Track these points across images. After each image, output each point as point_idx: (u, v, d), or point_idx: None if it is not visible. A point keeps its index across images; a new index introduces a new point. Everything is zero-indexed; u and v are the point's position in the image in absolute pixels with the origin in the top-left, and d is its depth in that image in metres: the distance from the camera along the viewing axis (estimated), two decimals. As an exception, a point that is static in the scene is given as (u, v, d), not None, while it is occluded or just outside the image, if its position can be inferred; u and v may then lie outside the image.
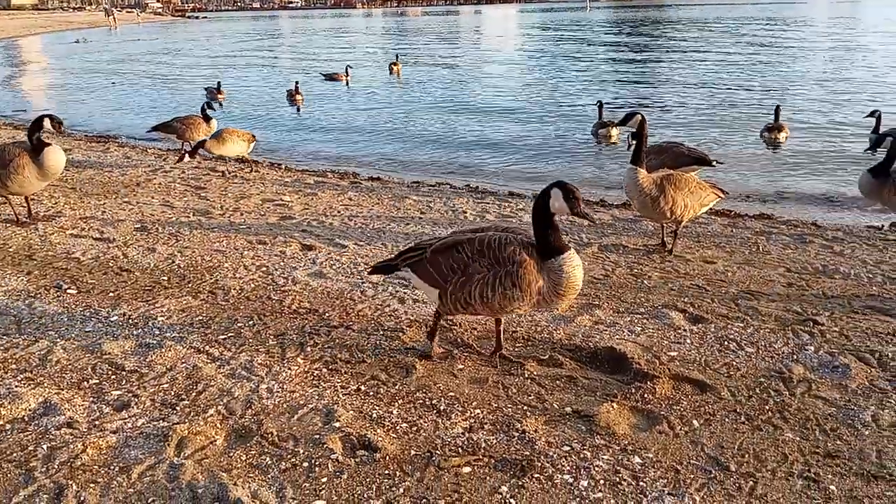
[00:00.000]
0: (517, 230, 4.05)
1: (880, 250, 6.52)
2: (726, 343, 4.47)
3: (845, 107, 17.00)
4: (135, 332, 4.75)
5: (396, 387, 3.95)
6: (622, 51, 38.11)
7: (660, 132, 14.94)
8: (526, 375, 4.06)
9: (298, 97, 20.25)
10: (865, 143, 11.82)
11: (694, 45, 38.77)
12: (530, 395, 3.85)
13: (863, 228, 7.68)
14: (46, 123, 7.08)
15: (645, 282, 5.66)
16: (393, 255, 4.46)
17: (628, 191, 6.35)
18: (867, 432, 3.46)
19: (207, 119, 11.35)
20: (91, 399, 3.88)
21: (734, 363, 4.21)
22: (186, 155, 10.04)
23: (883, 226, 7.85)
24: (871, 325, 4.72)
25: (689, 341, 4.51)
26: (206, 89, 21.32)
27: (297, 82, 21.01)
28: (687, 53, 33.97)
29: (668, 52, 36.38)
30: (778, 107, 13.87)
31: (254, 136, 10.46)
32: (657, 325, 4.74)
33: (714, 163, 8.67)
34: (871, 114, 12.14)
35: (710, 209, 7.22)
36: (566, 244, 3.86)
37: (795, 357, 4.26)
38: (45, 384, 4.05)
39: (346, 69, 26.05)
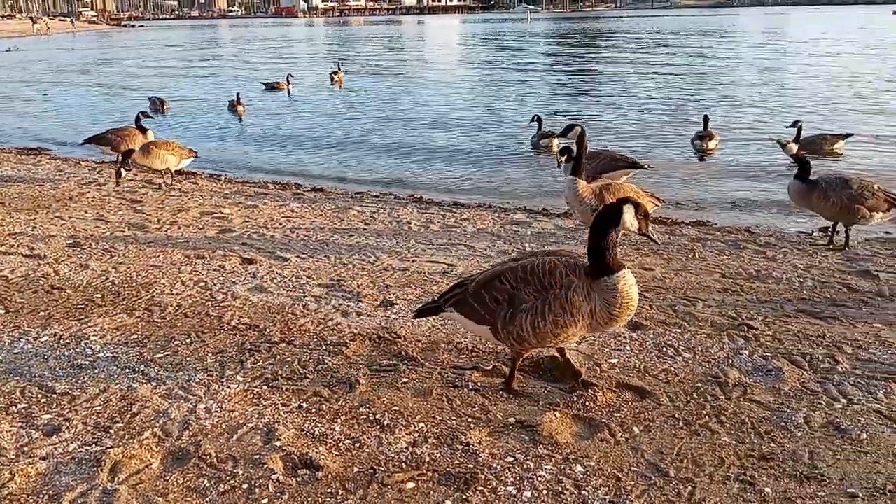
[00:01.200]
0: (560, 253, 3.96)
1: (810, 255, 6.77)
2: (665, 349, 4.56)
3: (772, 116, 17.64)
4: (66, 353, 4.58)
5: (339, 403, 3.90)
6: (560, 61, 38.79)
7: (595, 140, 15.25)
8: (470, 387, 4.06)
9: (240, 107, 19.96)
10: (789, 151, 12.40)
11: (629, 56, 39.70)
12: (474, 407, 3.86)
13: (794, 234, 7.97)
14: None
15: (586, 290, 5.73)
16: (436, 297, 4.16)
17: (569, 201, 6.46)
18: (800, 434, 3.57)
19: (143, 130, 11.07)
20: (19, 424, 3.72)
21: (672, 369, 4.29)
22: (122, 170, 9.76)
23: (812, 231, 8.15)
24: (802, 328, 4.88)
25: (628, 348, 4.59)
26: (150, 99, 20.79)
27: (238, 93, 20.71)
28: (622, 64, 34.78)
29: (604, 62, 37.19)
30: (706, 116, 14.32)
31: (192, 152, 10.22)
32: (597, 333, 4.80)
33: (646, 166, 8.90)
34: (793, 124, 12.78)
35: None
36: (621, 262, 3.72)
37: (731, 362, 4.38)
38: (-31, 410, 3.87)
39: (287, 78, 25.80)
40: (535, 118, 14.76)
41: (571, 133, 6.57)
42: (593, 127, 16.94)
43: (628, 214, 3.70)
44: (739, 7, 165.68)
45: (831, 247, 7.11)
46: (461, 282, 4.03)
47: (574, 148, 6.69)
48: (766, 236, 7.58)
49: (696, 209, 9.72)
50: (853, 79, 25.20)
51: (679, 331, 4.85)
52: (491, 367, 4.30)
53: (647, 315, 5.14)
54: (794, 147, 9.09)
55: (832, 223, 7.24)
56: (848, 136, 13.27)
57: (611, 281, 3.64)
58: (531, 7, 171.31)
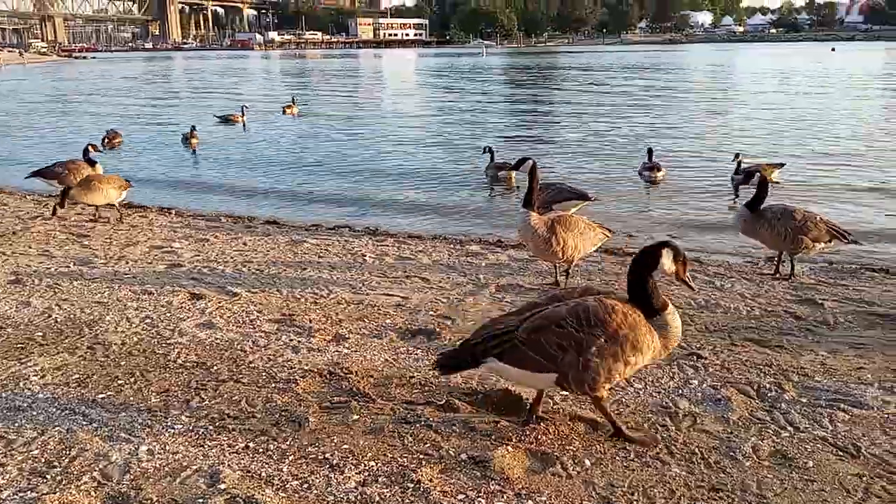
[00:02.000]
0: (604, 291, 3.90)
1: (757, 284, 6.91)
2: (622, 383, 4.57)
3: (716, 147, 18.21)
4: (3, 395, 4.40)
5: (287, 442, 3.81)
6: (515, 94, 39.52)
7: (546, 172, 15.49)
8: (422, 422, 4.01)
9: (194, 140, 19.75)
10: (731, 184, 12.85)
11: (580, 90, 40.63)
12: (426, 443, 3.80)
13: (741, 264, 8.14)
14: None
15: (540, 322, 5.75)
16: (456, 347, 3.90)
17: (521, 233, 6.51)
18: (748, 464, 3.60)
19: (92, 163, 10.85)
20: (-53, 473, 3.54)
21: (623, 400, 4.31)
22: (58, 208, 9.49)
23: (759, 261, 8.34)
24: (749, 356, 4.96)
25: (581, 380, 4.59)
26: (106, 132, 20.35)
27: (193, 126, 20.47)
28: (574, 97, 35.55)
29: (556, 96, 37.98)
30: (650, 148, 14.79)
31: (128, 182, 10.00)
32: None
33: (593, 199, 9.06)
34: (735, 157, 13.33)
35: (600, 248, 7.47)
36: (666, 300, 3.76)
37: (681, 392, 4.42)
38: None
39: (242, 109, 25.66)
40: (487, 149, 14.92)
41: (523, 167, 6.65)
42: (544, 158, 17.25)
43: (667, 259, 3.71)
44: (688, 44, 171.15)
45: (777, 276, 7.28)
46: (493, 331, 3.72)
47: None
48: (715, 266, 7.73)
49: (647, 239, 9.86)
50: (794, 110, 26.19)
51: (630, 361, 4.87)
52: (444, 401, 4.26)
53: (600, 346, 5.16)
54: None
55: (778, 253, 7.43)
56: (781, 165, 13.85)
57: (663, 319, 3.70)
58: (486, 42, 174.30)
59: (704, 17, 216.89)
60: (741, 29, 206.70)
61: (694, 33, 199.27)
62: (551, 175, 15.09)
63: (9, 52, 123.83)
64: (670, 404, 4.23)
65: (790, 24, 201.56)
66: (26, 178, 11.65)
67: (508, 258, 7.99)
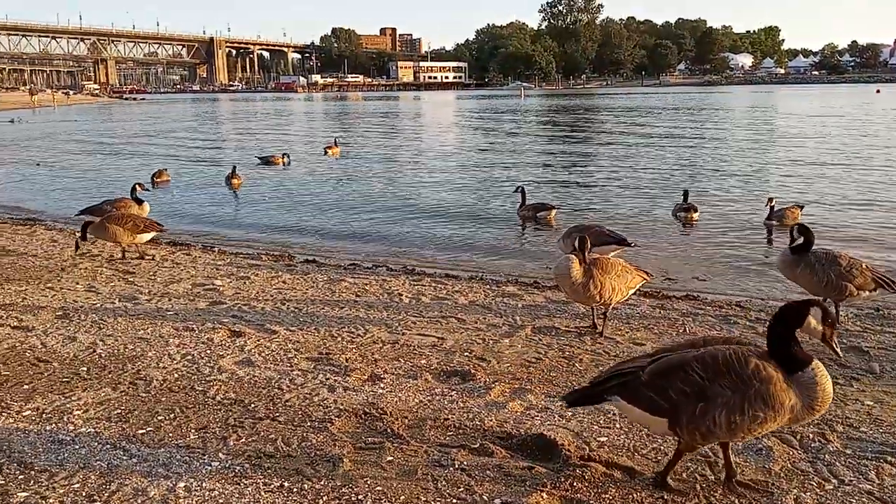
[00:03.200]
0: (741, 340, 3.79)
1: (799, 330, 6.76)
2: (654, 427, 4.51)
3: (753, 189, 18.12)
4: (48, 428, 4.51)
5: (322, 482, 3.83)
6: (552, 136, 39.70)
7: (579, 212, 15.55)
8: (456, 466, 3.99)
9: (235, 180, 20.18)
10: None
11: (617, 131, 40.69)
12: (459, 487, 3.78)
13: (783, 308, 7.96)
14: None
15: (576, 364, 5.72)
16: (588, 384, 3.89)
17: (558, 276, 6.47)
18: (790, 516, 3.51)
19: (139, 202, 11.18)
20: (-8, 504, 3.64)
21: (662, 448, 4.24)
22: (79, 242, 9.79)
23: (801, 306, 8.15)
24: (791, 405, 4.84)
25: (618, 426, 4.54)
26: (154, 172, 20.96)
27: (234, 167, 20.97)
28: (611, 139, 35.58)
29: (593, 137, 38.03)
30: (686, 190, 14.74)
31: (155, 225, 10.14)
32: (587, 410, 4.76)
33: (633, 244, 8.99)
34: (768, 201, 13.37)
35: (638, 291, 7.41)
36: (810, 355, 3.52)
37: (721, 440, 4.32)
38: (-57, 488, 3.78)
39: (283, 155, 26.17)
40: (519, 189, 14.96)
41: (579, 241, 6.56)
42: (578, 199, 17.31)
43: (814, 319, 3.53)
44: (728, 85, 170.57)
45: (821, 322, 7.11)
46: (620, 369, 3.73)
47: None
48: (757, 311, 7.59)
49: (685, 282, 9.76)
50: (835, 152, 25.82)
51: (668, 407, 4.80)
52: (478, 445, 4.24)
53: (637, 391, 5.09)
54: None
55: (822, 298, 7.27)
56: (801, 206, 13.80)
57: (807, 375, 3.44)
58: (524, 84, 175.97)
59: (744, 59, 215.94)
60: (782, 71, 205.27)
61: (733, 75, 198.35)
62: (584, 215, 15.12)
63: (63, 93, 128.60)
64: (709, 453, 4.15)
65: (833, 66, 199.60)
66: (76, 215, 12.05)
67: (545, 300, 7.96)
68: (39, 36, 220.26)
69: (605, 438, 4.35)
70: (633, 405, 3.61)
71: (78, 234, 9.96)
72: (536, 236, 13.47)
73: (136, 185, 11.68)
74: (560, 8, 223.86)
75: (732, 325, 6.87)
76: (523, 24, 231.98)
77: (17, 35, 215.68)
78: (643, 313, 7.34)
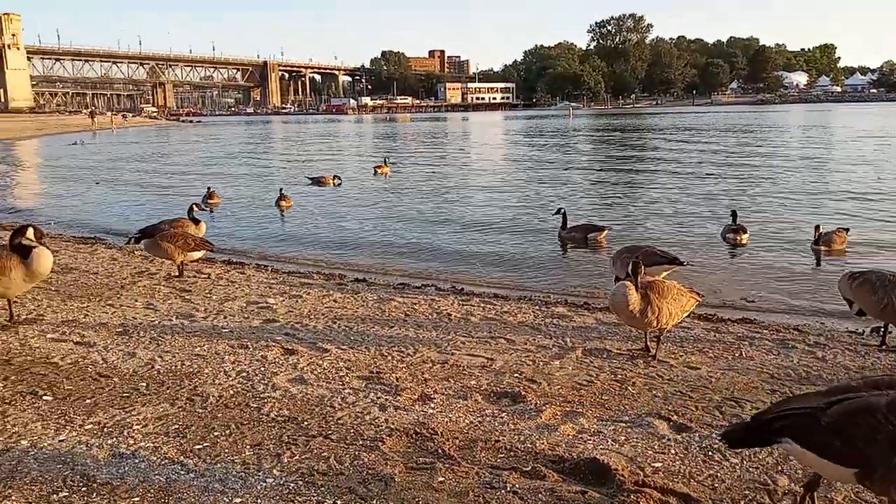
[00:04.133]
0: None
1: (862, 356, 6.56)
2: (711, 453, 4.42)
3: (804, 210, 17.71)
4: (108, 442, 4.63)
5: (374, 501, 3.85)
6: (600, 156, 39.45)
7: (629, 232, 15.40)
8: (508, 489, 3.97)
9: (284, 203, 20.22)
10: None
11: (667, 152, 40.22)
12: (512, 510, 3.76)
13: (844, 333, 7.73)
14: (29, 232, 7.16)
15: (629, 388, 5.64)
16: (748, 420, 3.59)
17: (614, 303, 6.35)
18: (856, 549, 3.39)
19: (196, 221, 11.47)
20: (58, 514, 3.75)
21: (719, 475, 4.15)
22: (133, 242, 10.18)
23: (864, 331, 7.91)
24: (855, 433, 4.68)
25: (673, 451, 4.45)
26: (204, 195, 21.36)
27: (281, 189, 21.04)
28: (660, 159, 35.20)
29: (643, 157, 37.65)
30: (734, 210, 14.45)
31: (205, 243, 10.34)
32: (641, 434, 4.69)
33: (685, 263, 8.83)
34: (815, 229, 13.01)
35: (692, 313, 7.27)
36: None
37: (780, 468, 4.21)
38: (14, 497, 3.92)
39: (333, 176, 26.55)
40: (560, 211, 14.84)
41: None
42: (628, 219, 17.13)
43: None
44: (782, 104, 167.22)
45: (884, 348, 6.88)
46: (787, 408, 3.41)
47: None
48: (816, 335, 7.38)
49: (739, 305, 9.55)
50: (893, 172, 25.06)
51: (725, 434, 4.69)
52: (530, 468, 4.20)
53: (693, 416, 5.00)
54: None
55: (884, 323, 7.04)
56: (847, 230, 13.38)
57: None
58: (573, 104, 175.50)
59: (799, 78, 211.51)
60: (839, 89, 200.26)
61: (787, 94, 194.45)
62: (630, 235, 14.96)
63: (122, 116, 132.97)
64: (769, 481, 4.04)
65: (892, 84, 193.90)
66: (130, 238, 12.38)
67: (595, 321, 7.88)
68: (101, 61, 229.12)
69: (659, 464, 4.27)
70: (812, 451, 3.29)
71: (133, 242, 10.33)
72: (584, 256, 13.37)
73: (193, 206, 11.98)
74: (609, 28, 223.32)
75: (790, 350, 6.69)
76: (572, 44, 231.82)
77: (80, 60, 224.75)
78: (697, 336, 7.21)
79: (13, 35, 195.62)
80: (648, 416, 5.01)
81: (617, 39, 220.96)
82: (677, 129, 68.38)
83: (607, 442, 4.58)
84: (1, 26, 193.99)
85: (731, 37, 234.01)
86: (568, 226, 14.50)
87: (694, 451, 4.44)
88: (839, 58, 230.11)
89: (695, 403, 5.26)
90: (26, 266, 7.09)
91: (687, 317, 7.07)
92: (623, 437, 4.64)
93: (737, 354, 6.56)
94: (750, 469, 4.20)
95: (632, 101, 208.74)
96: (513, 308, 8.60)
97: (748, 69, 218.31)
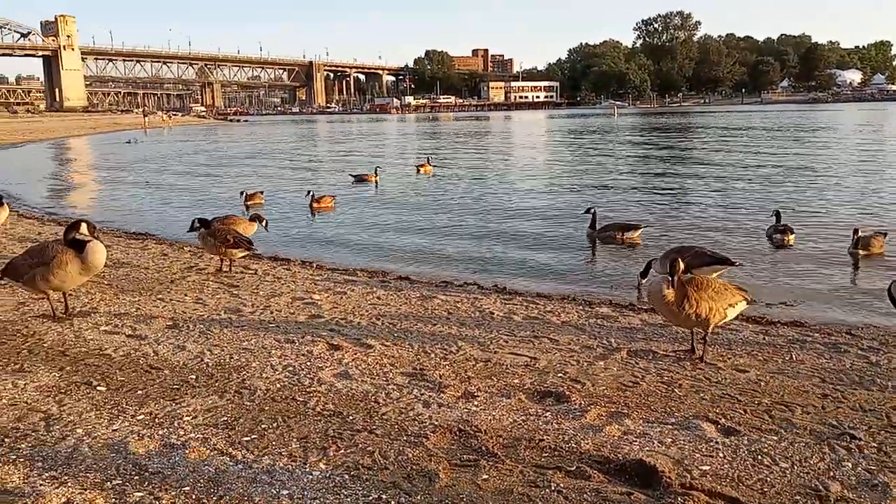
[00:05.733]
0: None
1: (919, 361, 6.35)
2: (760, 457, 4.33)
3: (853, 210, 17.24)
4: (160, 432, 4.75)
5: (419, 497, 3.87)
6: (646, 155, 38.90)
7: (672, 232, 15.22)
8: (552, 488, 3.95)
9: (317, 204, 20.01)
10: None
11: (711, 151, 39.55)
12: (556, 509, 3.74)
13: (899, 338, 7.50)
14: (83, 227, 7.37)
15: (675, 390, 5.56)
16: None
17: (651, 297, 6.32)
18: (913, 559, 3.29)
19: (253, 220, 11.61)
20: (113, 501, 3.85)
21: (768, 479, 4.06)
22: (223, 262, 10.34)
23: (920, 335, 7.66)
24: (912, 441, 4.55)
25: (721, 455, 4.38)
26: (245, 196, 21.56)
27: (310, 191, 20.83)
28: (707, 159, 34.57)
29: (689, 157, 36.99)
30: (778, 211, 14.19)
31: (245, 242, 10.29)
32: (688, 437, 4.62)
33: (737, 264, 8.63)
34: (854, 232, 12.44)
35: (740, 315, 7.13)
36: None
37: (832, 474, 4.11)
38: (70, 483, 4.04)
39: (375, 170, 26.77)
40: (590, 210, 14.71)
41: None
42: (672, 219, 16.91)
43: None
44: (835, 103, 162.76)
45: (942, 353, 6.66)
46: None
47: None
48: (869, 339, 7.17)
49: (789, 307, 9.33)
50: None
51: (775, 438, 4.60)
52: (575, 468, 4.18)
53: (741, 420, 4.91)
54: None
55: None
56: (885, 234, 12.88)
57: None
58: (618, 102, 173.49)
59: (853, 76, 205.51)
60: (894, 87, 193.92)
61: (840, 92, 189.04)
62: (673, 235, 14.74)
63: (170, 116, 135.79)
64: (820, 487, 3.95)
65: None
66: (188, 231, 12.62)
67: (641, 322, 7.79)
68: (152, 61, 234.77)
69: (707, 467, 4.20)
70: None
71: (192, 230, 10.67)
72: (627, 257, 13.22)
73: (254, 215, 12.05)
74: (656, 25, 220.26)
75: (843, 354, 6.52)
76: (617, 42, 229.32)
77: (131, 61, 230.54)
78: (746, 339, 7.06)
79: (68, 36, 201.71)
80: (695, 418, 4.94)
81: (664, 37, 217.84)
82: (725, 128, 67.09)
83: (653, 444, 4.52)
84: (57, 28, 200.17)
85: (781, 34, 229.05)
86: (598, 225, 14.41)
87: (743, 455, 4.36)
88: (895, 55, 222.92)
89: (743, 407, 5.16)
90: (81, 260, 7.30)
91: (735, 319, 6.94)
92: (669, 440, 4.58)
93: (787, 358, 6.41)
94: (801, 474, 4.11)
95: (678, 100, 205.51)
96: (556, 308, 8.55)
97: (799, 67, 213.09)
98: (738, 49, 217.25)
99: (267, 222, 12.18)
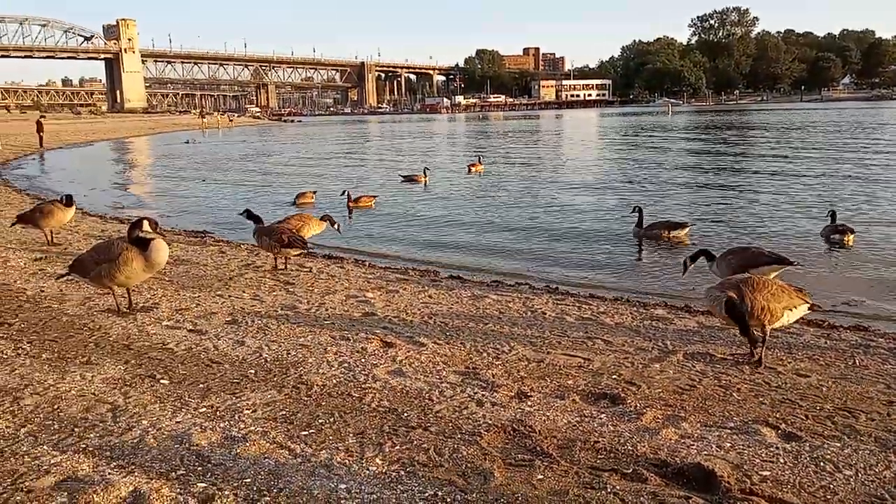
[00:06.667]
0: None
1: None
2: (822, 464, 4.23)
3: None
4: (221, 425, 4.88)
5: (474, 495, 3.89)
6: (700, 154, 38.12)
7: (723, 232, 14.95)
8: (608, 490, 3.93)
9: (351, 205, 20.00)
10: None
11: (768, 149, 38.53)
12: (612, 511, 3.72)
13: (971, 344, 7.21)
14: (145, 224, 7.62)
15: (734, 394, 5.46)
16: None
17: (708, 300, 6.21)
18: None
19: (324, 220, 11.89)
20: (178, 490, 3.98)
21: (831, 486, 3.96)
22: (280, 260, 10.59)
23: None
24: (985, 451, 4.38)
25: (781, 460, 4.29)
26: (295, 196, 21.78)
27: (344, 191, 20.76)
28: (759, 156, 33.77)
29: (746, 156, 36.13)
30: (833, 211, 13.80)
31: (299, 241, 10.32)
32: (747, 442, 4.54)
33: (795, 263, 8.44)
34: None
35: (802, 319, 6.95)
36: None
37: (901, 483, 3.98)
38: (136, 473, 4.19)
39: (424, 171, 26.90)
40: (637, 209, 14.57)
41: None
42: (725, 219, 16.57)
43: None
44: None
45: None
46: None
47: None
48: (939, 346, 6.91)
49: (850, 310, 9.06)
50: None
51: (838, 444, 4.48)
52: (631, 470, 4.15)
53: (803, 425, 4.80)
54: None
55: None
56: None
57: None
58: (672, 100, 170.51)
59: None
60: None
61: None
62: (724, 235, 14.44)
63: (227, 117, 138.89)
64: (886, 496, 3.83)
65: None
66: (253, 235, 12.81)
67: (697, 325, 7.66)
68: (209, 63, 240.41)
69: (767, 472, 4.12)
70: None
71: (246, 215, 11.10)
72: (675, 255, 13.00)
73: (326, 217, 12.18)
74: (712, 22, 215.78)
75: (910, 360, 6.30)
76: (671, 39, 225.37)
77: (189, 63, 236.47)
78: (807, 343, 6.89)
79: (129, 40, 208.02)
80: (755, 423, 4.84)
81: (720, 34, 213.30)
82: (784, 126, 65.32)
83: (711, 448, 4.45)
84: (118, 32, 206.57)
85: (843, 30, 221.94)
86: (644, 224, 14.24)
87: (804, 461, 4.26)
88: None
89: (804, 412, 5.04)
90: (145, 258, 7.55)
91: (796, 322, 6.77)
92: (728, 444, 4.50)
93: (850, 363, 6.23)
94: (865, 482, 4.00)
95: (735, 98, 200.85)
96: (609, 309, 8.48)
97: (862, 63, 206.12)
98: (797, 45, 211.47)
99: (339, 225, 12.27)
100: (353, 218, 18.74)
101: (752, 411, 5.07)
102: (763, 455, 4.35)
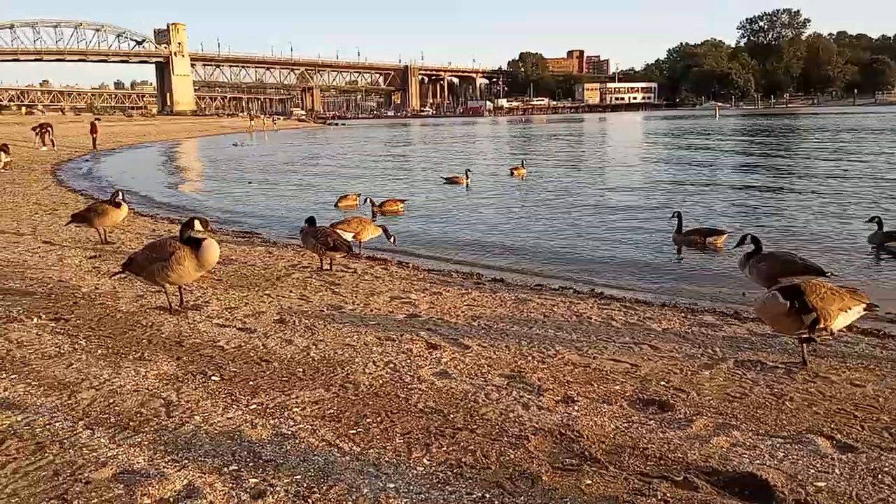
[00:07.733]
0: None
1: None
2: (880, 476, 4.12)
3: None
4: (271, 422, 4.96)
5: (522, 498, 3.88)
6: (744, 158, 37.45)
7: (767, 238, 14.54)
8: (658, 497, 3.89)
9: (378, 209, 19.66)
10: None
11: (819, 153, 37.55)
12: (662, 518, 3.68)
13: None
14: (196, 224, 7.80)
15: (786, 403, 5.34)
16: None
17: (760, 308, 6.10)
18: None
19: (381, 227, 11.96)
20: (231, 485, 4.06)
21: (890, 499, 3.86)
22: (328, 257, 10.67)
23: None
24: None
25: (837, 471, 4.18)
26: (337, 199, 21.81)
27: (368, 199, 20.39)
28: (813, 164, 32.84)
29: (793, 161, 35.28)
30: (879, 218, 13.40)
31: (344, 244, 10.50)
32: (801, 452, 4.44)
33: (829, 274, 8.30)
34: None
35: (854, 325, 6.77)
36: None
37: (964, 499, 3.85)
38: (190, 467, 4.28)
39: (466, 172, 26.97)
40: (676, 214, 14.42)
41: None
42: (769, 225, 16.22)
43: None
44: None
45: None
46: None
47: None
48: None
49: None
50: None
51: (897, 458, 4.36)
52: (682, 478, 4.09)
53: (859, 436, 4.68)
54: None
55: None
56: None
57: None
58: (720, 104, 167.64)
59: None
60: None
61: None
62: (769, 241, 14.10)
63: (272, 120, 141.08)
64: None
65: None
66: (300, 231, 12.98)
67: (747, 332, 7.52)
68: (256, 67, 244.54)
69: (822, 483, 4.03)
70: None
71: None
72: (723, 261, 12.76)
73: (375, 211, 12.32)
74: (761, 24, 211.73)
75: (973, 372, 6.08)
76: (719, 41, 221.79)
77: (237, 66, 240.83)
78: (861, 352, 6.70)
79: (179, 44, 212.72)
80: (809, 432, 4.73)
81: (770, 36, 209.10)
82: (835, 130, 63.68)
83: (764, 457, 4.36)
84: (169, 36, 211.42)
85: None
86: (684, 229, 14.08)
87: (861, 473, 4.15)
88: None
89: (860, 423, 4.91)
90: (197, 257, 7.71)
91: (850, 332, 6.60)
92: (781, 454, 4.41)
93: (908, 374, 6.05)
94: (927, 498, 3.88)
95: (784, 101, 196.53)
96: (656, 314, 8.37)
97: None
98: (850, 47, 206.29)
99: (395, 238, 12.64)
100: (397, 219, 18.83)
101: (805, 421, 4.96)
102: (818, 466, 4.25)
